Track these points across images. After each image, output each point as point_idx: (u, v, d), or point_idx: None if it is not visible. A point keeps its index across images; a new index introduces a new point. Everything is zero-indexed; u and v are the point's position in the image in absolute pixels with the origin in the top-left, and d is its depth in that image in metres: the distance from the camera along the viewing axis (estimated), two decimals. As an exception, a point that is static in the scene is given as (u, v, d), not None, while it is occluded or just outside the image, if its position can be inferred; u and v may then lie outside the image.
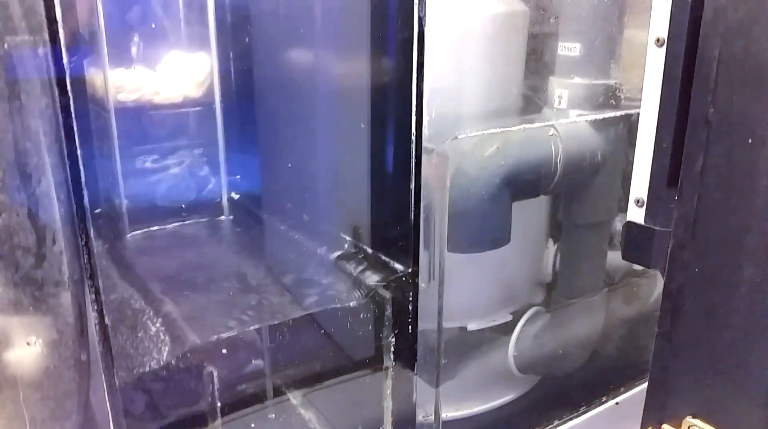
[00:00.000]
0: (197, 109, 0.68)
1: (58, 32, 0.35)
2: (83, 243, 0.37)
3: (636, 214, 0.49)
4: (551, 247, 0.71)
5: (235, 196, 0.78)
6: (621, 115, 0.62)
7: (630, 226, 0.49)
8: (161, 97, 0.66)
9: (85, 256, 0.38)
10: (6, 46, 0.35)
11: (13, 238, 0.36)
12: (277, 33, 0.64)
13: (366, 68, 0.52)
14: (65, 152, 0.37)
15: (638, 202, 0.49)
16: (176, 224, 0.68)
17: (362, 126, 0.56)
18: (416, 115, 0.49)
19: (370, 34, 0.51)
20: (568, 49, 0.62)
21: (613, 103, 0.62)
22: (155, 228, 0.66)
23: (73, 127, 0.38)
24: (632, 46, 0.62)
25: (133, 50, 0.65)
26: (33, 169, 0.35)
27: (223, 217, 0.73)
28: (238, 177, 0.78)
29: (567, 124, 0.60)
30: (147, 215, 0.67)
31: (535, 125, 0.57)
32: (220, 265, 0.60)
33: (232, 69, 0.71)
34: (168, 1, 0.66)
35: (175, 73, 0.67)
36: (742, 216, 0.42)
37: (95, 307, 0.39)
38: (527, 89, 0.67)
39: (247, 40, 0.67)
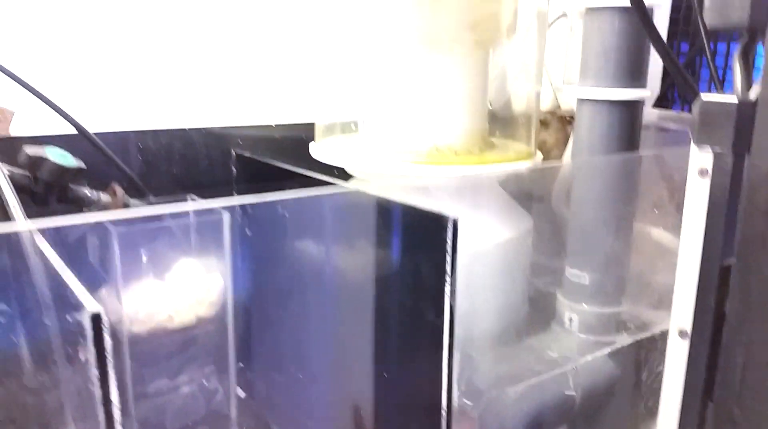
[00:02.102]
0: (209, 328, 0.68)
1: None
2: None
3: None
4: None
5: (242, 395, 0.77)
6: (633, 342, 0.63)
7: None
8: (175, 322, 0.65)
9: None
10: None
11: None
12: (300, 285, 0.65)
13: (393, 348, 0.53)
14: None
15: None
16: (186, 447, 0.66)
17: (385, 374, 0.56)
18: (447, 393, 0.49)
19: (398, 315, 0.52)
20: (577, 276, 0.64)
21: (624, 331, 0.63)
22: (165, 455, 0.65)
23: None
24: (642, 276, 0.64)
25: (146, 279, 0.65)
26: None
27: (232, 430, 0.71)
28: (242, 364, 0.78)
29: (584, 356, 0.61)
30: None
31: (558, 371, 0.58)
32: None
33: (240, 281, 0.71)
34: (184, 229, 0.66)
35: (189, 296, 0.66)
36: None
37: None
38: (534, 304, 0.68)
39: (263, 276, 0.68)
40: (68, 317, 0.34)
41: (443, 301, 0.48)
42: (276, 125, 0.80)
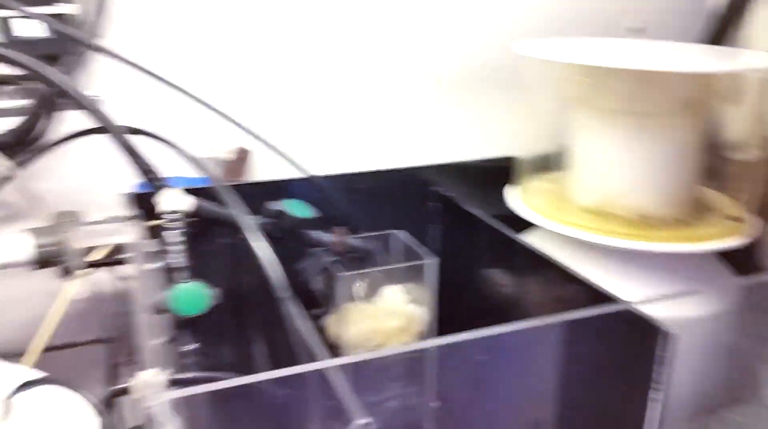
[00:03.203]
0: (413, 354, 0.76)
1: None
2: None
3: None
4: None
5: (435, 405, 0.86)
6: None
7: None
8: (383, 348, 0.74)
9: None
10: None
11: None
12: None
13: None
14: None
15: None
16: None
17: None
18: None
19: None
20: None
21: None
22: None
23: None
24: None
25: (361, 313, 0.74)
26: None
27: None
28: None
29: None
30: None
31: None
32: None
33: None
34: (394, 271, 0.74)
35: (396, 327, 0.75)
36: None
37: None
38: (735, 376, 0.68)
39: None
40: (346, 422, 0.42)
41: (646, 394, 0.51)
42: (472, 161, 0.84)
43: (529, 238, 0.74)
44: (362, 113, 0.89)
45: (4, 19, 0.66)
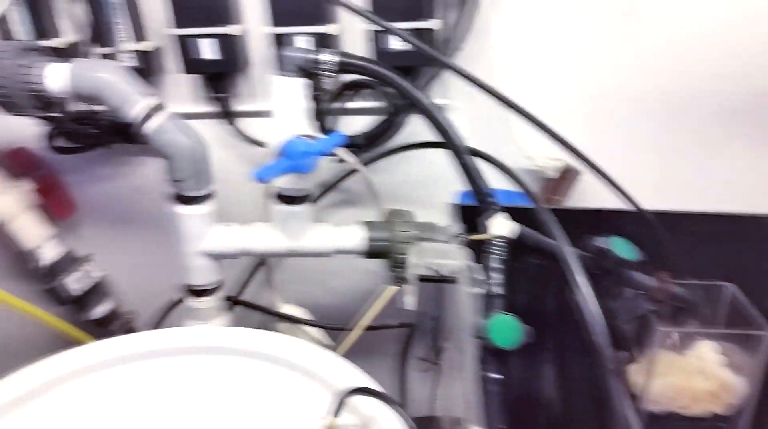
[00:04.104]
0: (719, 424, 0.69)
1: None
2: None
3: None
4: None
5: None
6: None
7: None
8: (689, 410, 0.69)
9: None
10: None
11: None
12: None
13: None
14: None
15: None
16: None
17: None
18: None
19: None
20: None
21: None
22: None
23: None
24: None
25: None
26: None
27: None
28: None
29: None
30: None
31: None
32: None
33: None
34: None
35: (706, 391, 0.68)
36: None
37: None
38: None
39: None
40: None
41: None
42: None
43: None
44: (705, 147, 0.80)
45: (374, 32, 0.71)
